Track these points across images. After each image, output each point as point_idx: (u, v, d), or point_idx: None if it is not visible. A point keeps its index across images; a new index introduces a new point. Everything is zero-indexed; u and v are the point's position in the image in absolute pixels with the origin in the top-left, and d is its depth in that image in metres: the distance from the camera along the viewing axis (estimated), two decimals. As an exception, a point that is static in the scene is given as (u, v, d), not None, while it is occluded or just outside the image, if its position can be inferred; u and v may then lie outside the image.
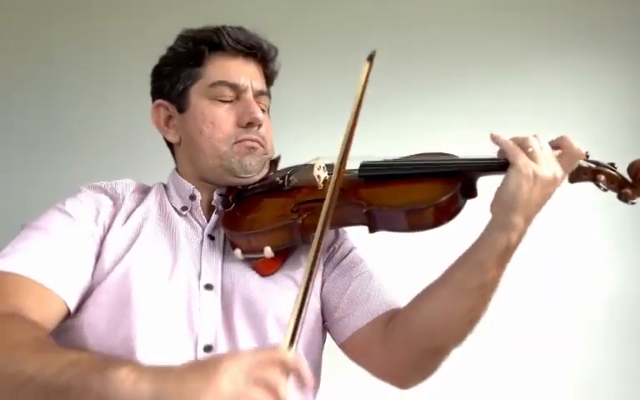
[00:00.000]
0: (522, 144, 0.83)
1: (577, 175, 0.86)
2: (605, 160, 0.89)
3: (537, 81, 1.89)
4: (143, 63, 1.10)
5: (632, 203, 0.83)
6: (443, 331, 0.90)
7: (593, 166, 0.86)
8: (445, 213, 0.87)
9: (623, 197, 0.84)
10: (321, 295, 1.03)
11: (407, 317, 0.95)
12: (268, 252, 0.96)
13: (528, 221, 0.83)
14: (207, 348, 0.90)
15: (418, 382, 0.97)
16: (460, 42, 1.89)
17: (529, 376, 1.77)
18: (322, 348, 1.05)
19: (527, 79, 1.90)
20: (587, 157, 0.89)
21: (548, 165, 0.81)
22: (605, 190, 0.84)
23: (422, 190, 0.89)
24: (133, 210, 1.00)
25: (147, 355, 0.86)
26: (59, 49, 1.69)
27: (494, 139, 0.86)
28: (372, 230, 0.92)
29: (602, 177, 0.84)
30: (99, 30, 1.74)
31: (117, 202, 1.00)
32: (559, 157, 0.83)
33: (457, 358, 1.61)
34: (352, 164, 0.99)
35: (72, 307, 0.88)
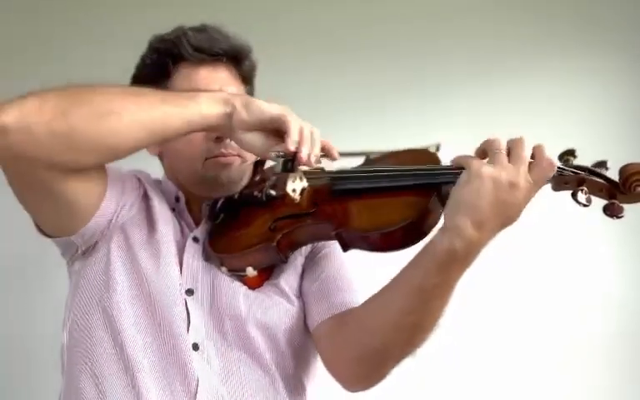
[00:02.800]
0: (488, 146, 0.78)
1: (558, 184, 0.78)
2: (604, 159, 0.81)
3: (537, 81, 1.85)
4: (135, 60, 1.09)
5: (619, 217, 0.75)
6: (382, 331, 0.87)
7: (582, 173, 0.77)
8: (416, 232, 0.82)
9: (609, 210, 0.75)
10: (300, 288, 1.03)
11: (355, 315, 0.93)
12: (250, 271, 0.97)
13: (479, 228, 0.74)
14: (195, 346, 0.92)
15: (363, 386, 0.95)
16: (459, 42, 1.85)
17: (526, 381, 1.74)
18: (312, 351, 1.03)
19: (527, 79, 1.85)
20: (575, 157, 0.80)
21: (506, 167, 0.74)
22: (585, 205, 0.75)
23: (394, 207, 0.84)
24: (157, 205, 1.03)
25: (143, 349, 0.91)
26: (58, 47, 1.70)
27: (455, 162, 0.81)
28: (344, 249, 0.88)
29: (585, 189, 0.75)
30: (98, 27, 1.74)
31: (146, 191, 1.04)
32: (531, 166, 0.75)
33: (453, 360, 1.62)
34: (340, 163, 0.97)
35: (95, 215, 0.93)
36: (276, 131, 0.88)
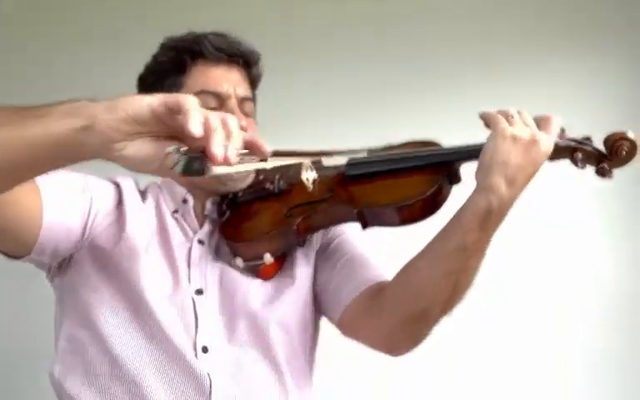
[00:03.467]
0: (504, 113, 0.86)
1: (554, 153, 0.88)
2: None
3: (537, 81, 1.89)
4: (142, 61, 1.11)
5: (610, 177, 0.87)
6: (426, 293, 0.91)
7: (572, 144, 0.89)
8: (433, 204, 0.91)
9: (601, 172, 0.87)
10: (313, 283, 1.06)
11: (393, 285, 0.98)
12: (268, 258, 0.99)
13: (511, 184, 0.83)
14: (205, 349, 0.93)
15: (408, 349, 0.99)
16: (459, 43, 1.88)
17: (522, 374, 1.76)
18: (314, 341, 1.08)
19: (527, 79, 1.89)
20: (564, 132, 0.92)
21: (526, 127, 0.84)
22: (582, 167, 0.87)
23: (409, 184, 0.92)
24: (135, 211, 1.03)
25: (150, 353, 0.91)
26: (59, 48, 1.69)
27: (482, 116, 0.88)
28: (364, 227, 0.95)
29: (580, 155, 0.87)
30: (99, 28, 1.73)
31: (121, 198, 1.03)
32: (540, 125, 0.86)
33: (446, 352, 1.64)
34: (342, 158, 1.02)
35: (40, 233, 0.89)
36: (170, 134, 0.68)
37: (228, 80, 1.06)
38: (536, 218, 1.70)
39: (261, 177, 1.11)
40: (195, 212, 1.07)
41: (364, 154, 1.01)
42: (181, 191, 1.08)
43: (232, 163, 0.64)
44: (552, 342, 1.77)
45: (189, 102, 0.64)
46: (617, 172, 0.88)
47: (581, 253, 1.83)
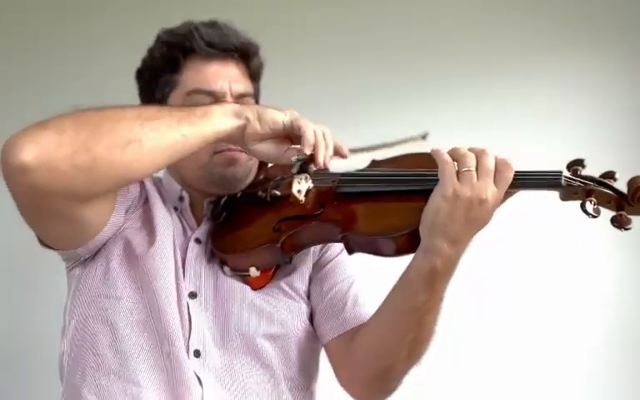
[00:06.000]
0: (458, 160, 0.77)
1: (567, 194, 0.78)
2: (605, 161, 0.81)
3: (537, 81, 1.84)
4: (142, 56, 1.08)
5: (627, 229, 0.75)
6: (387, 353, 0.90)
7: (590, 184, 0.77)
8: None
9: (617, 223, 0.75)
10: (308, 296, 1.03)
11: (363, 335, 0.95)
12: (253, 272, 0.96)
13: (455, 244, 0.78)
14: (197, 353, 0.92)
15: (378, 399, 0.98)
16: (459, 43, 1.84)
17: (525, 379, 1.74)
18: (317, 350, 1.04)
19: (527, 79, 1.84)
20: (584, 166, 0.80)
21: (475, 186, 0.75)
22: (594, 216, 0.75)
23: (400, 212, 0.84)
24: (157, 210, 1.02)
25: (145, 358, 0.91)
26: (59, 46, 1.69)
27: (434, 154, 0.79)
28: (350, 252, 0.89)
29: (594, 200, 0.75)
30: (99, 24, 1.73)
31: (147, 195, 1.04)
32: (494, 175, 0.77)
33: (450, 358, 1.60)
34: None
35: (103, 230, 0.93)
36: (286, 136, 0.89)
37: (222, 76, 1.01)
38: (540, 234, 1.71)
39: (261, 177, 1.07)
40: (193, 210, 1.05)
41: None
42: (177, 188, 1.06)
43: (329, 167, 0.88)
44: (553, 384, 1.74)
45: (307, 125, 0.86)
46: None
47: (586, 293, 1.79)
